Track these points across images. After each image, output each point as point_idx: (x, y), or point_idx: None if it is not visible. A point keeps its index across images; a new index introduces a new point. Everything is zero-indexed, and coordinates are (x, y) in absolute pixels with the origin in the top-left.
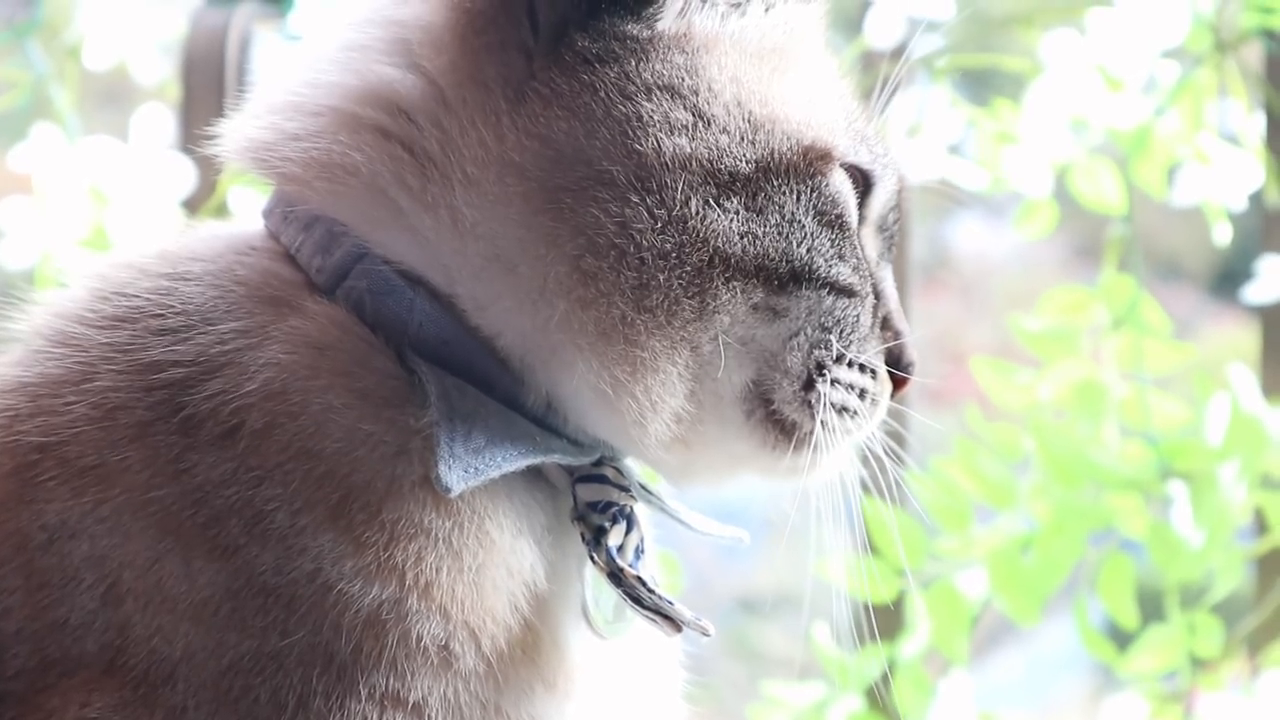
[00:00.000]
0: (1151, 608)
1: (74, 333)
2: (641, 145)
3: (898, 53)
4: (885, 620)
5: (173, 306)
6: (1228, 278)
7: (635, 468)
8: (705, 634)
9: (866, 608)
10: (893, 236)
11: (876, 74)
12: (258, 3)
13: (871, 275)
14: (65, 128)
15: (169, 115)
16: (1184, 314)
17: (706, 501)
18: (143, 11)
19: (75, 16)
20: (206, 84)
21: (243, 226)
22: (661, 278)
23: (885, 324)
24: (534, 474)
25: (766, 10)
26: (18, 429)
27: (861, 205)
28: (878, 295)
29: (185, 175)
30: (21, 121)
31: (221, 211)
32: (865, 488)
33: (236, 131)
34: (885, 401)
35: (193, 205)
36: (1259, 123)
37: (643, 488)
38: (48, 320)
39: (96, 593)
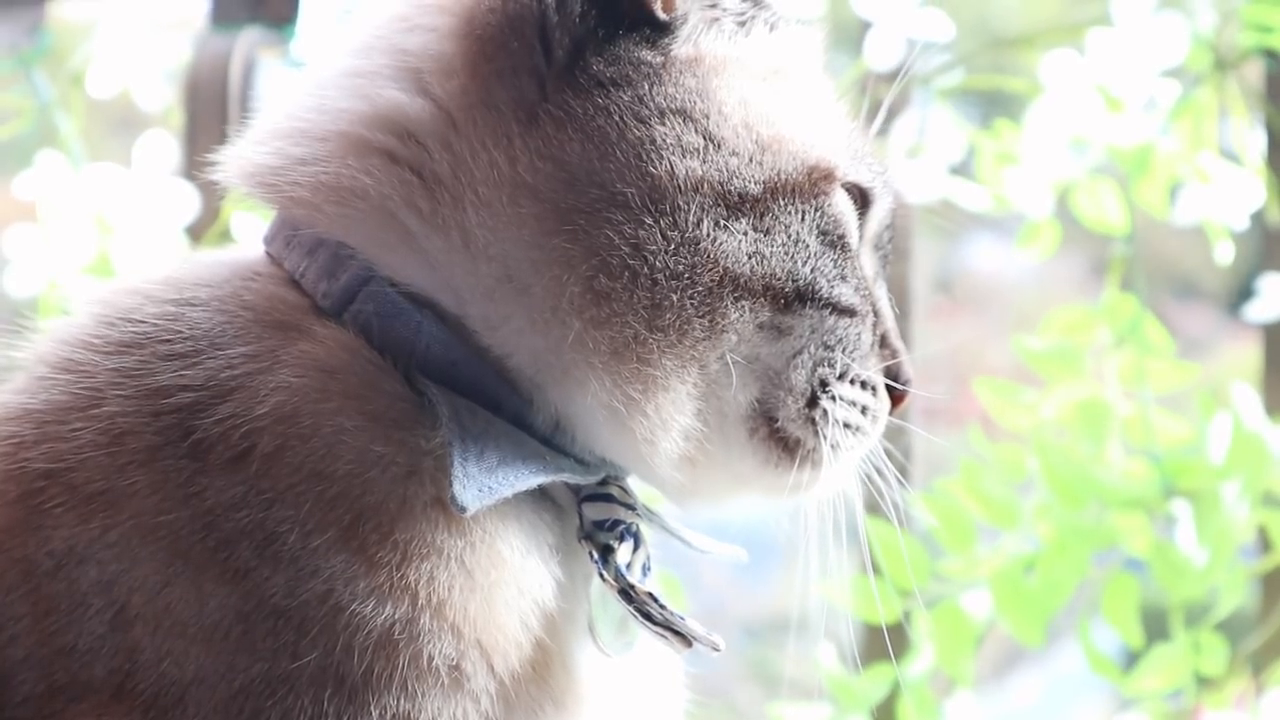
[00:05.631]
0: (1156, 627)
1: (80, 359)
2: (655, 168)
3: (898, 74)
4: (890, 641)
5: (180, 332)
6: (1242, 296)
7: (636, 488)
8: (716, 649)
9: (872, 628)
10: (887, 255)
11: (876, 95)
12: (261, 30)
13: (870, 294)
14: (70, 155)
15: (173, 142)
16: (1199, 332)
17: (715, 524)
18: (147, 39)
19: (80, 44)
20: (210, 110)
21: (245, 252)
22: (674, 297)
23: (883, 342)
24: (540, 494)
25: (770, 30)
26: (23, 456)
27: (860, 223)
28: (876, 314)
29: (189, 201)
30: (26, 149)
31: (225, 237)
32: (869, 509)
33: (241, 157)
34: (885, 417)
35: (196, 231)
36: (1260, 141)
37: (644, 506)
38: (52, 347)
39: (105, 618)
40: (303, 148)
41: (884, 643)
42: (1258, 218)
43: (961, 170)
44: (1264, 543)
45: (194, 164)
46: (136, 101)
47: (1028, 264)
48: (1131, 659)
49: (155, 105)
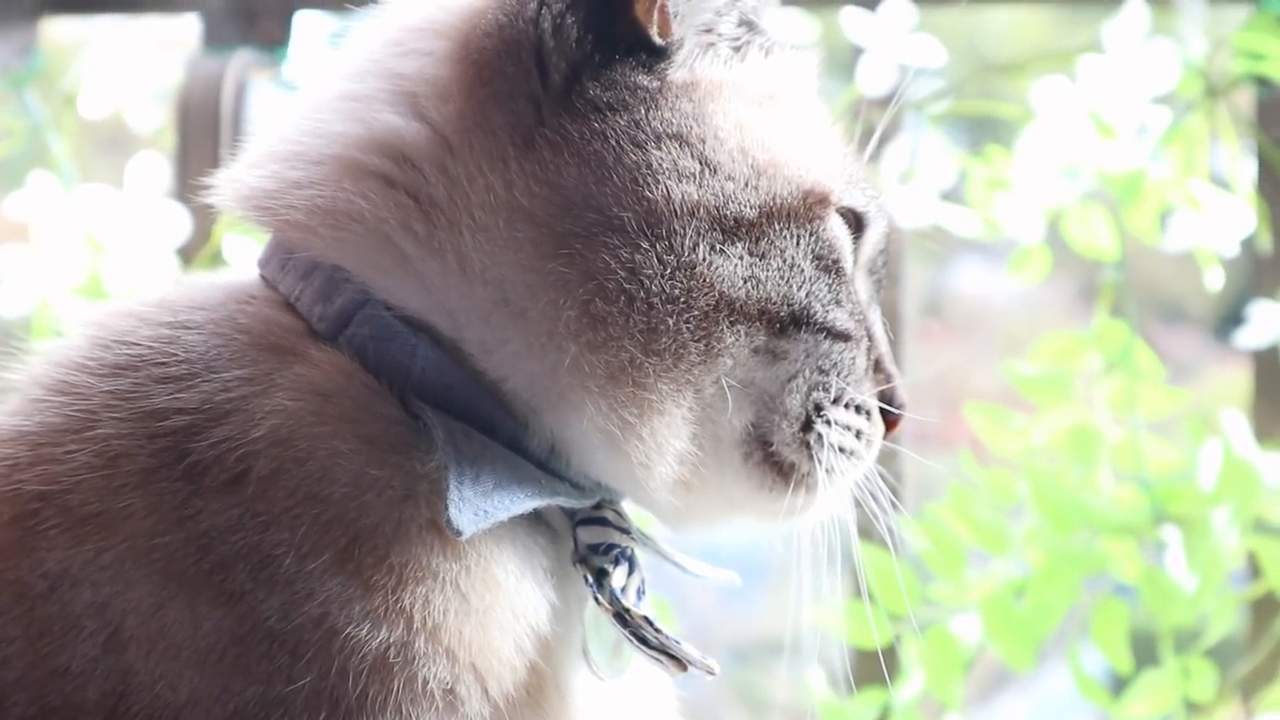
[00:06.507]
0: (1145, 652)
1: (74, 381)
2: (652, 192)
3: (890, 100)
4: (880, 665)
5: (176, 354)
6: (1232, 322)
7: (629, 511)
8: (710, 673)
9: (861, 652)
10: (881, 280)
11: (868, 121)
12: (253, 51)
13: (864, 318)
14: (62, 176)
15: (164, 163)
16: (1189, 358)
17: (703, 547)
18: (139, 60)
19: (71, 65)
20: (202, 132)
21: (239, 276)
22: (670, 322)
23: (878, 366)
24: (534, 518)
25: (765, 55)
26: (17, 478)
27: (855, 248)
28: (871, 338)
29: (180, 223)
30: (18, 169)
31: (216, 259)
32: (861, 533)
33: (236, 180)
34: (879, 441)
35: (188, 253)
36: (1250, 168)
37: (638, 530)
38: (46, 369)
39: (98, 640)
40: (298, 171)
41: (873, 667)
42: (1248, 244)
43: (952, 195)
44: (1253, 569)
45: (186, 185)
46: (128, 122)
47: (1018, 289)
48: (1121, 684)
49: (147, 126)
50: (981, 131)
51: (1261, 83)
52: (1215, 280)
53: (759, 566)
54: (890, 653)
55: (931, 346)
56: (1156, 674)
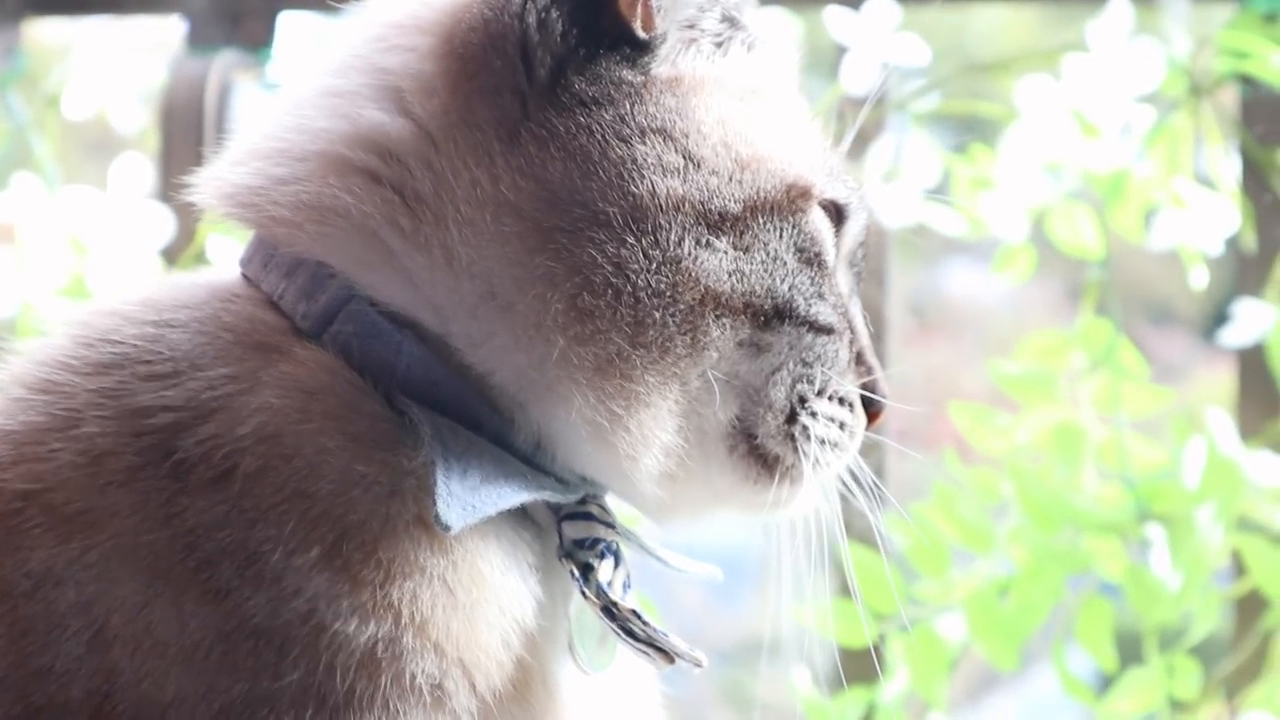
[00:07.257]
0: (1130, 651)
1: (58, 380)
2: (637, 187)
3: (874, 98)
4: (865, 664)
5: (161, 353)
6: (1217, 321)
7: (613, 507)
8: (698, 664)
9: (846, 651)
10: (860, 272)
11: (851, 119)
12: (237, 52)
13: (846, 311)
14: (45, 177)
15: (148, 164)
16: (1173, 357)
17: (690, 547)
18: (122, 61)
19: (55, 66)
20: (185, 133)
21: (222, 275)
22: (656, 315)
23: (859, 359)
24: (519, 513)
25: (747, 50)
26: (0, 477)
27: (836, 240)
28: (852, 330)
29: (164, 224)
30: (1, 171)
31: (200, 259)
32: (846, 531)
33: (218, 178)
34: (861, 433)
35: (171, 254)
36: (1234, 166)
37: (622, 525)
38: (29, 369)
39: (83, 639)
40: (283, 167)
41: (858, 665)
42: (1232, 243)
43: (937, 195)
44: (1238, 567)
45: (169, 186)
46: (112, 124)
47: (1003, 288)
48: (1106, 683)
49: (131, 127)
50: (966, 130)
51: (1246, 81)
52: (1200, 279)
53: (746, 567)
54: (876, 651)
55: (918, 347)
56: (1141, 672)
